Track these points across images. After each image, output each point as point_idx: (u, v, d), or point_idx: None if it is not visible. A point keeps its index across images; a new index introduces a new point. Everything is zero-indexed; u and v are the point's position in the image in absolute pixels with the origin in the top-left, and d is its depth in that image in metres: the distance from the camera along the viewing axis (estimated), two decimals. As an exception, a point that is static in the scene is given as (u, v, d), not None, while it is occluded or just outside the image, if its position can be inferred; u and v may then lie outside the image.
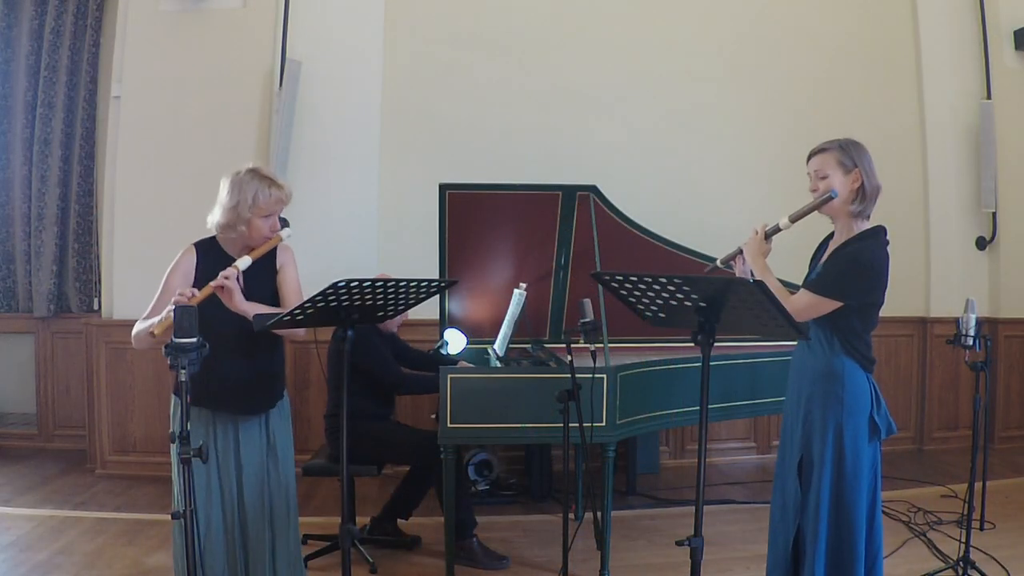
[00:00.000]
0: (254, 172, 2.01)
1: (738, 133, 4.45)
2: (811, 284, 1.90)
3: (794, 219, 1.94)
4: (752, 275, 1.97)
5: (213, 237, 2.07)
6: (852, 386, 1.88)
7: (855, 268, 1.85)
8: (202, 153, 3.90)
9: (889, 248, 1.93)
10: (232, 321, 1.93)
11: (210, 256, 2.02)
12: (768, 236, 1.97)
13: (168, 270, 2.01)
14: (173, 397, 2.07)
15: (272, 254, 2.08)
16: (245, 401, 2.02)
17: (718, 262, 2.11)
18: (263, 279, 2.05)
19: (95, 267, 4.36)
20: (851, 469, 1.88)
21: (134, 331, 1.98)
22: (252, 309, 1.94)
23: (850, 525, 1.89)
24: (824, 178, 1.90)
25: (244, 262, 1.96)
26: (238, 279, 1.95)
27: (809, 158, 1.95)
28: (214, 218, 2.01)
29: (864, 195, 1.89)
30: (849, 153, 1.88)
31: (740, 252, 2.01)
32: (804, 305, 1.86)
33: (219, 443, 2.04)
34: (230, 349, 1.95)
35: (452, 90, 4.20)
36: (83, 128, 4.32)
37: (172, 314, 1.76)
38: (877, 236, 1.90)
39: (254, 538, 2.05)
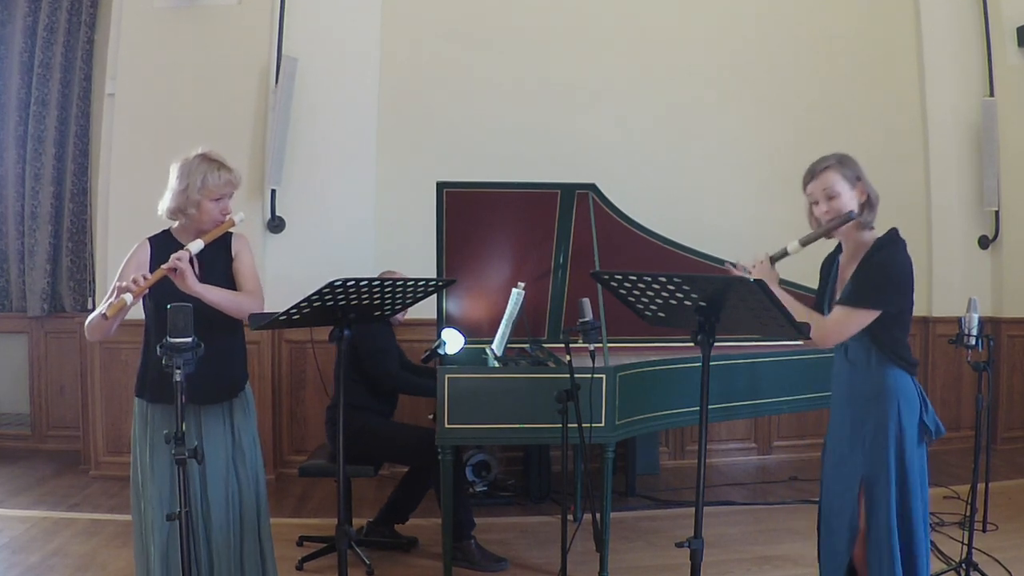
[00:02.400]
0: (203, 156, 2.01)
1: (739, 131, 4.42)
2: (845, 299, 1.85)
3: (805, 243, 1.88)
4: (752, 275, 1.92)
5: (166, 230, 2.07)
6: (902, 396, 1.85)
7: (887, 276, 1.82)
8: (197, 151, 3.88)
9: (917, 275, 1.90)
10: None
11: (164, 248, 2.01)
12: (774, 261, 1.93)
13: (122, 264, 2.01)
14: (137, 400, 2.04)
15: (227, 242, 2.08)
16: (205, 390, 1.97)
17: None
18: (218, 266, 2.04)
19: (89, 266, 4.34)
20: (907, 476, 1.85)
21: (87, 321, 1.96)
22: (206, 291, 1.93)
23: (912, 531, 1.85)
24: (834, 197, 1.86)
25: (196, 245, 1.95)
26: (192, 264, 1.95)
27: (809, 180, 1.90)
28: (164, 204, 2.01)
29: (871, 205, 1.88)
30: (850, 167, 1.87)
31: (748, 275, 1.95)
32: (840, 319, 1.82)
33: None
34: None
35: (450, 87, 4.18)
36: (77, 126, 4.31)
37: (125, 298, 1.81)
38: (897, 241, 1.87)
39: (218, 538, 2.01)
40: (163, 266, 1.89)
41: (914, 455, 1.84)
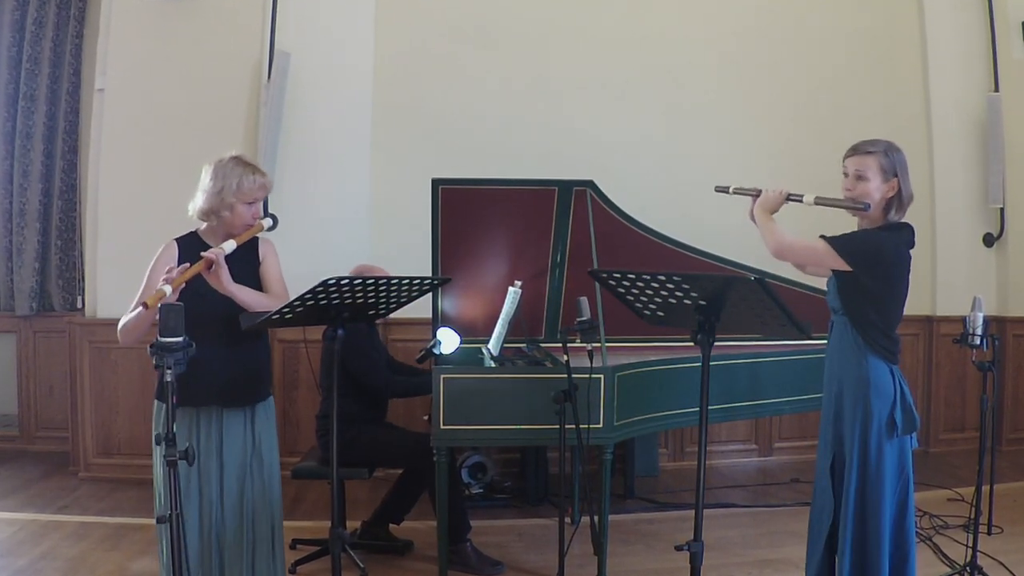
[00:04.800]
0: (237, 159, 2.05)
1: (740, 128, 4.38)
2: (827, 237, 1.90)
3: (818, 203, 1.94)
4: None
5: (193, 232, 2.09)
6: (877, 385, 1.87)
7: (872, 243, 1.86)
8: (188, 147, 3.84)
9: (912, 251, 1.92)
10: (214, 308, 1.93)
11: (191, 250, 2.02)
12: (788, 198, 1.97)
13: (150, 266, 2.02)
14: (156, 402, 2.04)
15: (254, 247, 2.10)
16: (228, 392, 2.00)
17: (731, 189, 2.13)
18: (246, 271, 2.05)
19: (78, 264, 4.31)
20: (874, 468, 1.86)
21: (120, 324, 1.97)
22: (239, 291, 1.94)
23: (875, 526, 1.86)
24: (862, 179, 1.89)
25: (229, 245, 1.97)
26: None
27: (849, 155, 1.94)
28: (196, 204, 2.03)
29: (900, 204, 1.90)
30: (892, 160, 1.89)
31: (756, 195, 2.02)
32: (806, 245, 1.90)
33: (201, 443, 2.02)
34: (211, 337, 1.95)
35: (445, 83, 4.14)
36: (66, 122, 4.26)
37: (164, 289, 1.81)
38: (900, 230, 1.90)
39: (231, 543, 2.01)
40: (202, 260, 1.90)
41: (884, 447, 1.85)
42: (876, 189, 1.87)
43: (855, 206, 1.89)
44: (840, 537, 1.88)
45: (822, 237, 1.89)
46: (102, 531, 3.13)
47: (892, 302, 1.89)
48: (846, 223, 2.03)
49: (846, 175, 1.93)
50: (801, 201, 1.95)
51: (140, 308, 1.85)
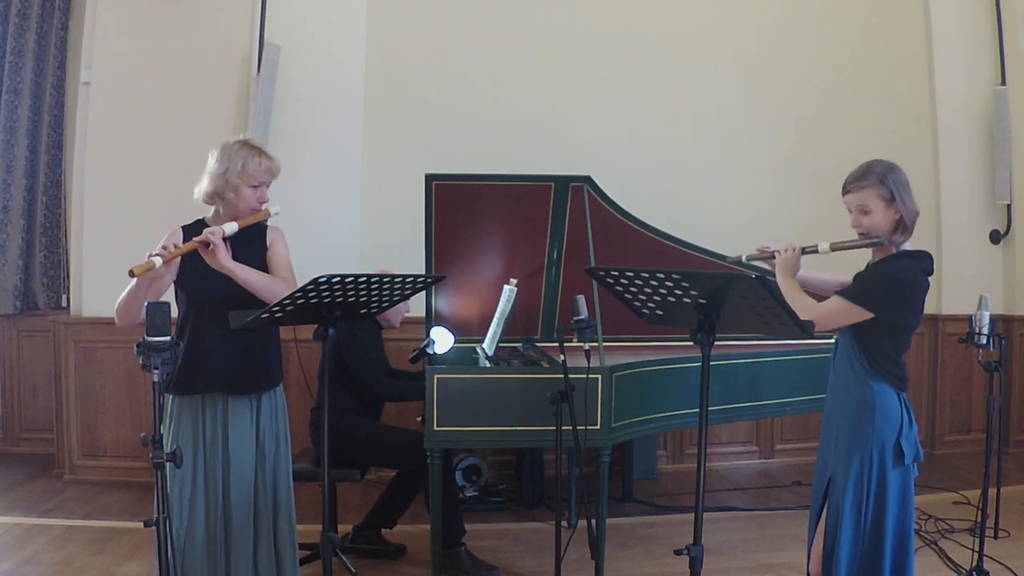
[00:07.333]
0: (244, 142, 2.05)
1: (741, 123, 4.33)
2: (844, 291, 1.91)
3: (835, 248, 1.96)
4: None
5: (200, 219, 2.09)
6: (883, 412, 1.86)
7: (889, 282, 1.85)
8: (176, 142, 3.82)
9: (930, 278, 1.90)
10: (218, 291, 1.95)
11: (197, 235, 1.99)
12: (804, 253, 1.98)
13: None
14: (169, 397, 2.06)
15: (263, 233, 2.11)
16: (232, 380, 1.99)
17: (744, 258, 2.13)
18: (253, 257, 2.05)
19: (63, 262, 4.25)
20: (876, 496, 1.85)
21: (116, 305, 1.96)
22: (237, 268, 1.94)
23: (880, 552, 1.83)
24: (867, 213, 1.89)
25: (231, 227, 1.97)
26: (226, 244, 1.97)
27: (846, 191, 1.94)
28: (201, 187, 2.04)
29: (905, 225, 1.89)
30: (888, 185, 1.88)
31: (772, 257, 2.04)
32: (832, 310, 1.88)
33: (207, 433, 2.00)
34: (215, 321, 1.94)
35: (439, 76, 4.08)
36: (51, 116, 4.19)
37: (154, 260, 1.82)
38: (918, 259, 1.89)
39: (237, 538, 2.01)
40: (196, 238, 1.90)
41: (888, 475, 1.84)
42: (882, 219, 1.87)
43: (869, 243, 1.90)
44: (836, 557, 1.85)
45: (837, 294, 1.89)
46: (88, 535, 3.09)
47: (906, 331, 1.88)
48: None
49: (851, 211, 1.93)
50: (817, 252, 1.97)
51: (130, 268, 1.84)
